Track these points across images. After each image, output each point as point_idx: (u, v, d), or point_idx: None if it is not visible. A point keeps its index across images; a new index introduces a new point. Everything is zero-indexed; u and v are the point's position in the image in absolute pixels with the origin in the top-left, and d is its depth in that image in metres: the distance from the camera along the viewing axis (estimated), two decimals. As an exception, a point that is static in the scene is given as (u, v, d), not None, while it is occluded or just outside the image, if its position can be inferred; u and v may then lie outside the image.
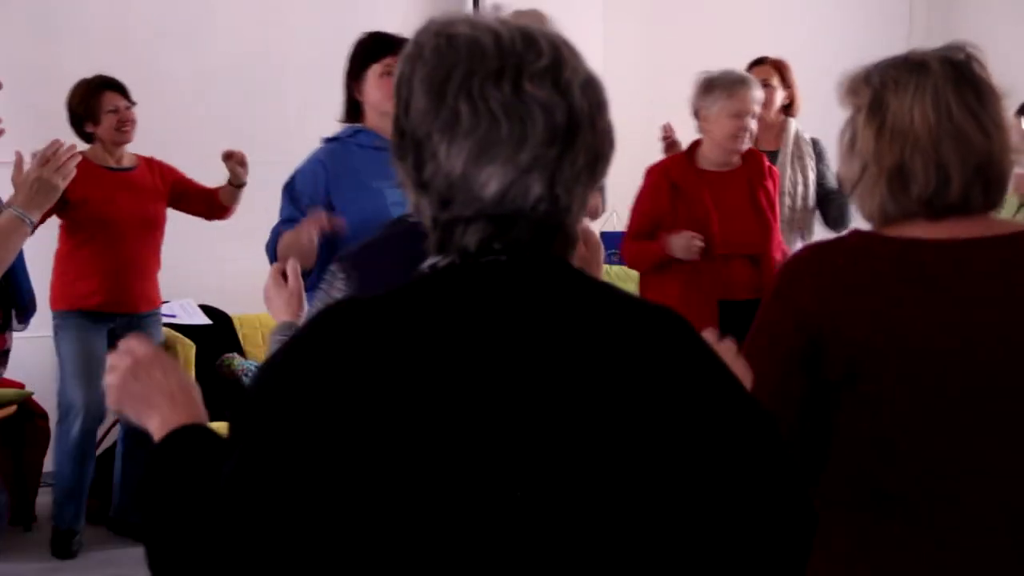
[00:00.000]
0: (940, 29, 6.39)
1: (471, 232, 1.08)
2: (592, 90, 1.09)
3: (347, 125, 3.04)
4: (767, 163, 3.87)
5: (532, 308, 1.07)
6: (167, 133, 4.73)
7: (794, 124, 4.50)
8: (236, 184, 4.44)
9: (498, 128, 1.04)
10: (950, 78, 1.54)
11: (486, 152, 1.05)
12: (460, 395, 1.02)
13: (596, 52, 5.68)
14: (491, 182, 1.05)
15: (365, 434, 1.00)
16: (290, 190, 2.98)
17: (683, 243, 3.63)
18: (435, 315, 1.05)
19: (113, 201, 4.29)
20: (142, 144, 4.45)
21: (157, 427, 1.19)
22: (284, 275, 1.95)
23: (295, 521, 0.99)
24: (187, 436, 1.14)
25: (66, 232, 4.34)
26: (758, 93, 3.74)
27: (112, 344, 4.35)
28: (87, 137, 4.32)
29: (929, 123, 1.53)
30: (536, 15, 4.06)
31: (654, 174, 3.86)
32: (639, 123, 5.06)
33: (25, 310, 3.93)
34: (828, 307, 1.53)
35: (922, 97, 1.54)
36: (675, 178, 3.77)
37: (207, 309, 4.98)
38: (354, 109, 3.02)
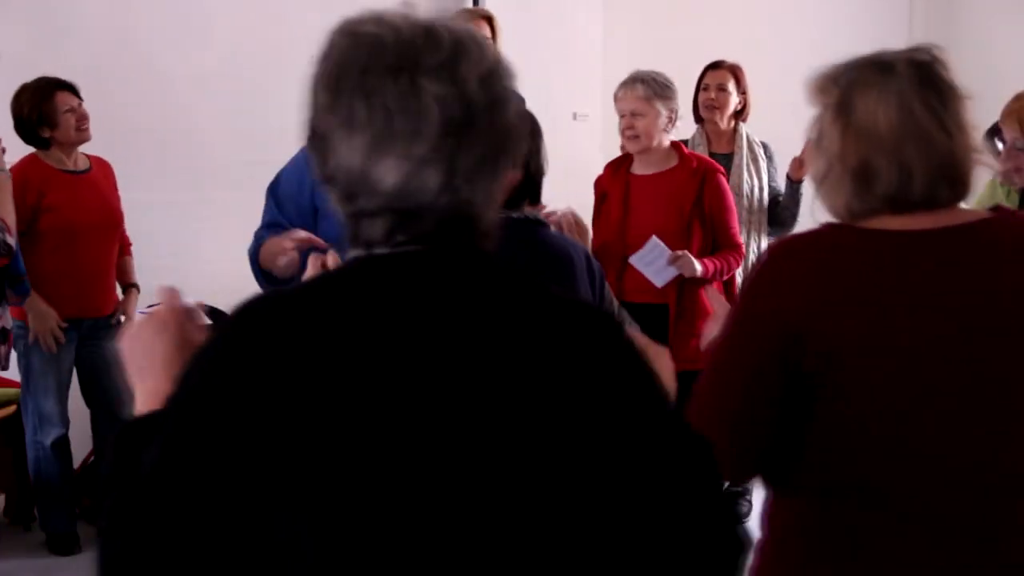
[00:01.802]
0: (940, 29, 6.39)
1: (376, 225, 1.10)
2: (494, 84, 1.10)
3: None
4: (703, 166, 3.90)
5: (443, 298, 1.08)
6: (167, 133, 4.73)
7: (744, 128, 4.57)
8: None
9: (391, 122, 1.07)
10: (915, 80, 1.58)
11: (381, 146, 1.07)
12: (370, 390, 1.03)
13: (596, 52, 5.68)
14: (388, 175, 1.08)
15: (279, 431, 1.01)
16: (274, 192, 2.88)
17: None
18: (346, 307, 1.06)
19: (79, 205, 4.23)
20: (142, 144, 4.45)
21: (142, 399, 1.20)
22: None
23: (207, 519, 1.00)
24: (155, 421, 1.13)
25: (30, 241, 4.16)
26: (638, 91, 3.82)
27: (80, 348, 4.35)
28: (43, 143, 4.21)
29: (892, 124, 1.56)
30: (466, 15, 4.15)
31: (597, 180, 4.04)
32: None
33: (21, 282, 3.94)
34: (810, 303, 1.54)
35: (887, 98, 1.57)
36: (604, 184, 3.94)
37: (207, 309, 4.98)
38: None
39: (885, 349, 1.52)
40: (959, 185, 1.59)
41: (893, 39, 6.10)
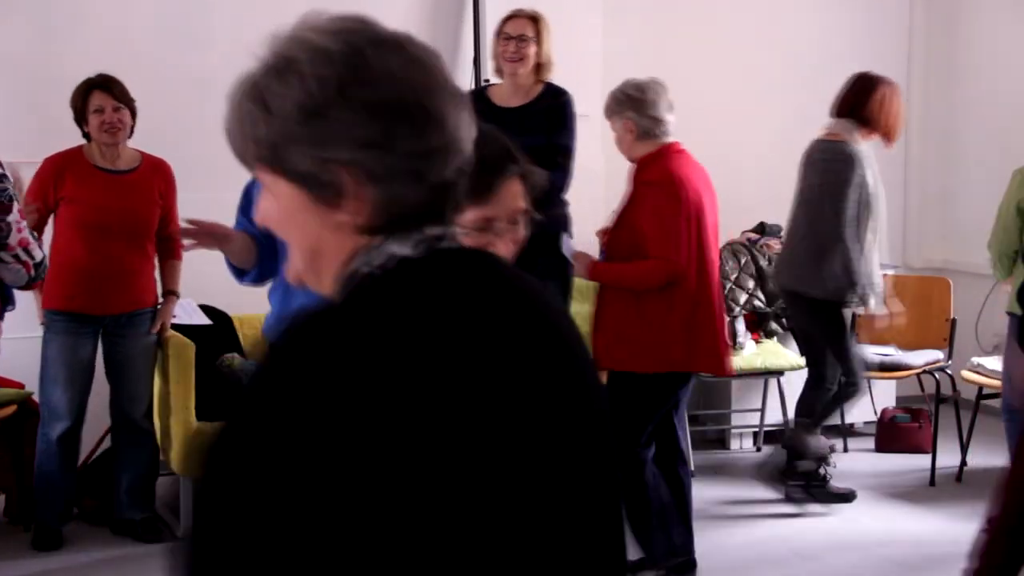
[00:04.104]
0: (940, 29, 6.39)
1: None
2: None
3: None
4: (642, 176, 3.86)
5: (508, 293, 1.10)
6: (167, 133, 4.72)
7: None
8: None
9: None
10: None
11: None
12: (477, 392, 1.00)
13: (596, 52, 5.68)
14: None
15: (388, 446, 0.94)
16: (246, 194, 3.08)
17: None
18: (432, 309, 1.02)
19: (103, 204, 4.23)
20: (141, 144, 4.44)
21: None
22: None
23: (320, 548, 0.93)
24: None
25: (57, 230, 4.29)
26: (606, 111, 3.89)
27: (106, 343, 4.35)
28: (87, 136, 4.31)
29: None
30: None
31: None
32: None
33: (9, 298, 3.97)
34: None
35: None
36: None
37: (207, 309, 4.97)
38: None
39: None
40: None
41: (893, 39, 6.10)
